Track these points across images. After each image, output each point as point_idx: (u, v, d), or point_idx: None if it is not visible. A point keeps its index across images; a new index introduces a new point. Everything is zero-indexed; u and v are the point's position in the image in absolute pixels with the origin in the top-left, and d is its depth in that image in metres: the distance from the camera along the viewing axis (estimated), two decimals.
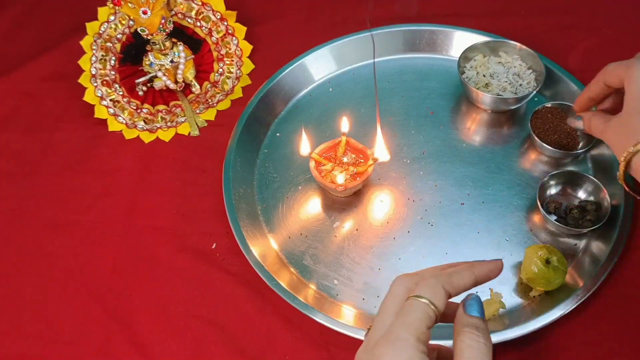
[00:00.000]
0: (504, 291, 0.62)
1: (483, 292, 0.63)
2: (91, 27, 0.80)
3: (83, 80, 0.80)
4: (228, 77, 0.84)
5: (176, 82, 0.82)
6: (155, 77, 0.81)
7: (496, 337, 0.58)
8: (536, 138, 0.71)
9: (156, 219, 0.71)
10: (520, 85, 0.77)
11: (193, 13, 0.83)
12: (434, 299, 0.38)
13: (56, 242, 0.70)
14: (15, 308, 0.66)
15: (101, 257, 0.69)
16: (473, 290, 0.41)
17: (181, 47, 0.80)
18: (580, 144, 0.71)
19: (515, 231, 0.67)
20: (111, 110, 0.80)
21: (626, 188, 0.56)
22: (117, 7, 0.78)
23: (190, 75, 0.82)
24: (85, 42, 0.80)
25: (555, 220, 0.65)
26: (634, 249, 0.65)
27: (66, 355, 0.62)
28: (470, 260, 0.66)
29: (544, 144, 0.70)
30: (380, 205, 0.71)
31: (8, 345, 0.63)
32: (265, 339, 0.62)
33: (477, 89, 0.76)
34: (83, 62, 0.80)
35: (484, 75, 0.78)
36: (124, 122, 0.80)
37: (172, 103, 0.82)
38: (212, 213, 0.71)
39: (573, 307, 0.59)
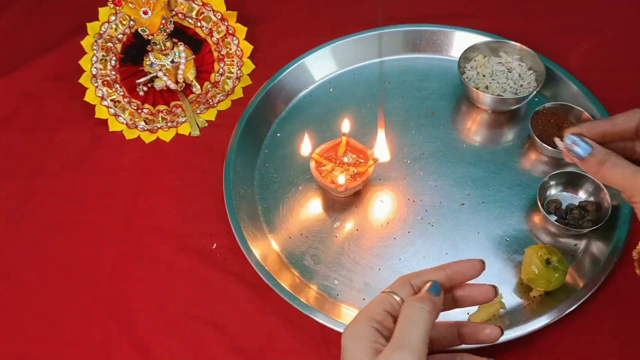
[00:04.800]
0: (504, 291, 0.62)
1: None
2: (92, 27, 0.80)
3: (84, 80, 0.80)
4: (229, 78, 0.84)
5: (177, 82, 0.82)
6: (156, 77, 0.81)
7: None
8: (536, 138, 0.71)
9: (157, 219, 0.71)
10: (521, 85, 0.77)
11: (194, 13, 0.83)
12: (395, 289, 0.43)
13: (56, 242, 0.70)
14: (15, 308, 0.66)
15: (101, 257, 0.69)
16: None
17: (182, 48, 0.81)
18: None
19: (515, 231, 0.67)
20: (112, 111, 0.80)
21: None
22: (117, 8, 0.78)
23: (191, 75, 0.83)
24: (86, 42, 0.80)
25: (555, 220, 0.65)
26: (634, 249, 0.65)
27: (66, 355, 0.62)
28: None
29: (544, 145, 0.70)
30: (381, 205, 0.71)
31: (9, 345, 0.63)
32: (265, 339, 0.62)
33: (478, 89, 0.76)
34: (84, 63, 0.80)
35: (484, 76, 0.78)
36: (125, 122, 0.80)
37: (172, 103, 0.82)
38: (212, 213, 0.71)
39: (573, 307, 0.60)
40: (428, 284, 0.43)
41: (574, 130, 0.49)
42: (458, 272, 0.44)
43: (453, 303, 0.45)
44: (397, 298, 0.43)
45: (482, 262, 0.44)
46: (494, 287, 0.45)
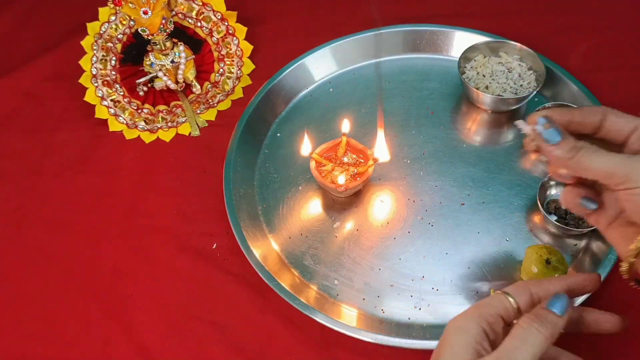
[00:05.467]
0: None
1: (484, 292, 0.63)
2: (92, 27, 0.80)
3: (84, 80, 0.80)
4: (229, 78, 0.84)
5: (177, 82, 0.82)
6: (156, 77, 0.81)
7: None
8: None
9: (156, 219, 0.71)
10: (521, 85, 0.77)
11: (194, 13, 0.83)
12: (513, 292, 0.42)
13: (56, 242, 0.70)
14: (15, 308, 0.66)
15: (101, 257, 0.69)
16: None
17: (182, 48, 0.81)
18: None
19: (515, 231, 0.67)
20: (112, 111, 0.80)
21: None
22: (117, 8, 0.78)
23: (191, 75, 0.83)
24: (86, 42, 0.80)
25: (555, 220, 0.65)
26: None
27: (66, 355, 0.62)
28: (471, 260, 0.66)
29: None
30: (381, 205, 0.71)
31: (9, 345, 0.63)
32: (265, 339, 0.62)
33: (478, 89, 0.76)
34: (84, 62, 0.80)
35: (484, 76, 0.78)
36: (125, 122, 0.80)
37: (172, 103, 0.82)
38: (212, 213, 0.71)
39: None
40: (551, 297, 0.40)
41: (543, 113, 0.44)
42: (578, 285, 0.44)
43: (577, 325, 0.44)
44: (513, 302, 0.41)
45: (599, 276, 0.44)
46: (624, 320, 0.44)
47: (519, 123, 0.45)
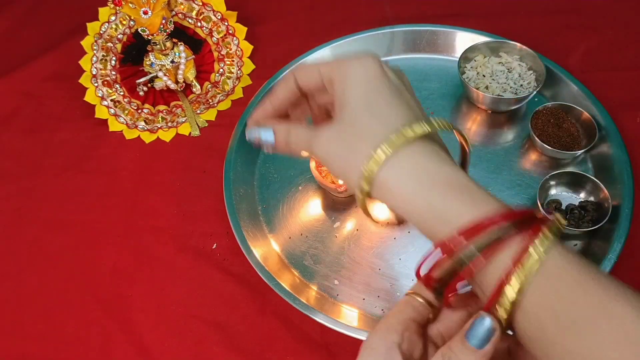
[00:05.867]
0: None
1: None
2: (92, 27, 0.80)
3: (84, 80, 0.80)
4: (229, 78, 0.84)
5: (177, 82, 0.82)
6: (156, 77, 0.81)
7: None
8: (536, 138, 0.71)
9: (157, 219, 0.71)
10: (521, 85, 0.77)
11: (194, 13, 0.83)
12: (420, 289, 0.37)
13: (56, 242, 0.70)
14: (15, 308, 0.66)
15: (101, 257, 0.69)
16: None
17: (182, 48, 0.81)
18: (581, 144, 0.72)
19: None
20: (112, 111, 0.80)
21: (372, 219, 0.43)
22: (118, 8, 0.78)
23: (191, 75, 0.83)
24: (86, 42, 0.80)
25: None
26: (634, 249, 0.65)
27: (66, 355, 0.62)
28: None
29: (544, 144, 0.70)
30: (381, 205, 0.70)
31: (8, 345, 0.63)
32: (265, 339, 0.62)
33: (478, 89, 0.76)
34: (84, 63, 0.80)
35: (484, 76, 0.78)
36: (125, 122, 0.80)
37: (172, 103, 0.82)
38: (212, 213, 0.71)
39: None
40: (470, 322, 0.33)
41: (250, 122, 0.44)
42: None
43: (508, 355, 0.37)
44: (421, 300, 0.37)
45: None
46: None
47: (250, 132, 0.44)
